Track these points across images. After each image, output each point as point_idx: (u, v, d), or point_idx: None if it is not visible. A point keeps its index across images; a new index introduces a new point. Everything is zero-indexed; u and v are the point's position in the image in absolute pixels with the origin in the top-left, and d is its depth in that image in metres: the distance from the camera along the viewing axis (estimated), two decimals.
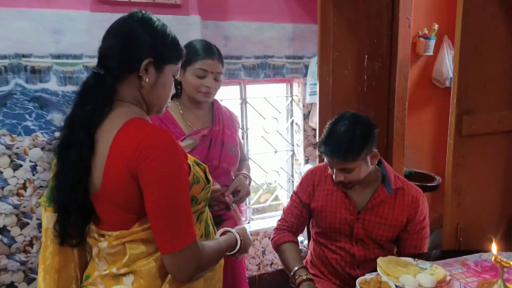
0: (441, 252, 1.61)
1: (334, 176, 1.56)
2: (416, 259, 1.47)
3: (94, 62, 2.05)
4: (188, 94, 1.61)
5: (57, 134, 2.09)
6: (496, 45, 1.64)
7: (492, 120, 1.63)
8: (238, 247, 1.18)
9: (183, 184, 0.96)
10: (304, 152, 2.90)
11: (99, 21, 2.06)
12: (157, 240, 0.95)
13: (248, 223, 2.89)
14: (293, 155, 3.02)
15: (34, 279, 2.19)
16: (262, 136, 2.88)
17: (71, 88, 2.07)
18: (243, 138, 2.80)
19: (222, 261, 1.18)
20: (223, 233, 1.21)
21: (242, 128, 2.79)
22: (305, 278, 1.50)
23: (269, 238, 2.86)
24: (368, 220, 1.60)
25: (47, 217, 1.05)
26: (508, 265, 1.26)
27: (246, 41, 2.60)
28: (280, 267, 2.94)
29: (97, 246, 1.03)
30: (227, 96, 2.74)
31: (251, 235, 2.62)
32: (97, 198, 0.98)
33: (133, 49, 0.99)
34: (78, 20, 2.05)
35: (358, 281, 1.33)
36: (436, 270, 1.36)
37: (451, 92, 1.59)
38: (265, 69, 2.69)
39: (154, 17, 1.03)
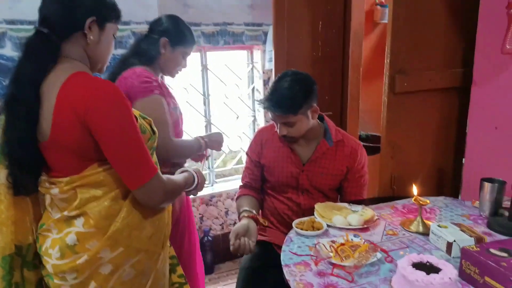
0: (377, 199, 1.78)
1: (278, 131, 1.69)
2: (351, 204, 1.63)
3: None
4: (167, 68, 1.74)
5: None
6: (427, 10, 1.77)
7: (423, 78, 1.78)
8: (195, 183, 1.33)
9: (134, 125, 1.06)
10: (265, 117, 3.01)
11: None
12: (124, 179, 1.06)
13: (212, 185, 3.02)
14: (254, 120, 3.13)
15: None
16: (224, 102, 2.98)
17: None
18: (204, 104, 2.89)
19: (170, 207, 1.29)
20: (181, 173, 1.34)
21: (204, 95, 2.88)
22: (244, 215, 1.66)
23: (232, 199, 3.01)
24: (312, 171, 1.74)
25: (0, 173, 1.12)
26: (424, 203, 1.44)
27: (205, 8, 2.65)
28: None
29: (49, 193, 1.11)
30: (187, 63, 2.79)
31: (214, 196, 2.73)
32: (46, 146, 1.06)
33: (76, 9, 1.06)
34: None
35: (294, 222, 1.48)
36: (365, 212, 1.53)
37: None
38: (224, 36, 2.75)
39: None
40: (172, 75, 1.79)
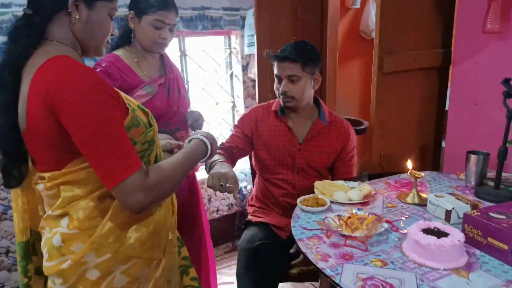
0: (368, 176, 1.85)
1: (281, 88, 1.71)
2: (347, 181, 1.69)
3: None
4: (143, 44, 1.64)
5: None
6: None
7: (409, 58, 1.86)
8: (209, 150, 1.17)
9: (111, 116, 0.93)
10: (245, 103, 3.02)
11: None
12: (99, 176, 0.93)
13: None
14: (233, 106, 3.13)
15: None
16: (203, 88, 2.95)
17: (1, 39, 1.98)
18: None
19: (175, 207, 1.18)
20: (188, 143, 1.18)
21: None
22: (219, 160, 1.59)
23: None
24: (308, 150, 1.79)
25: None
26: (419, 176, 1.52)
27: None
28: (226, 213, 3.12)
29: (37, 188, 1.04)
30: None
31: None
32: (25, 137, 1.00)
33: None
34: None
35: (298, 200, 1.51)
36: (363, 187, 1.59)
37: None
38: (203, 21, 2.72)
39: None
40: (153, 51, 1.66)
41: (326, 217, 1.34)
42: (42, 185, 1.01)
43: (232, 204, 3.15)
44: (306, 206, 1.47)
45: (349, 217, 1.32)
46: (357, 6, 3.36)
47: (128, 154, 0.93)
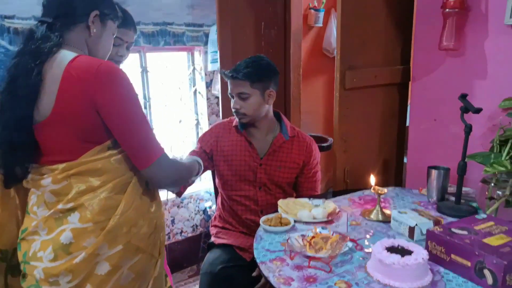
0: (332, 192, 1.83)
1: (232, 105, 1.71)
2: (312, 198, 1.65)
3: (8, 22, 1.87)
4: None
5: None
6: (371, 10, 1.88)
7: (370, 75, 1.87)
8: (200, 170, 1.43)
9: (141, 106, 1.08)
10: (209, 120, 2.96)
11: None
12: (133, 159, 1.06)
13: None
14: (197, 123, 3.06)
15: None
16: (166, 106, 2.87)
17: None
18: (145, 108, 2.77)
19: (163, 213, 1.25)
20: None
21: (144, 98, 2.75)
22: None
23: (177, 207, 2.91)
24: (269, 165, 1.75)
25: None
26: (382, 192, 1.50)
27: (145, 6, 2.54)
28: (190, 234, 3.02)
29: (40, 185, 1.03)
30: (126, 64, 2.65)
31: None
32: (44, 125, 1.01)
33: (81, 2, 1.10)
34: None
35: (261, 220, 1.46)
36: (327, 205, 1.56)
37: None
38: (165, 37, 2.66)
39: None
40: None
41: (290, 238, 1.29)
42: (49, 179, 1.01)
43: (196, 226, 3.05)
44: (269, 226, 1.41)
45: (313, 237, 1.27)
46: (320, 24, 3.42)
47: (156, 139, 1.09)
